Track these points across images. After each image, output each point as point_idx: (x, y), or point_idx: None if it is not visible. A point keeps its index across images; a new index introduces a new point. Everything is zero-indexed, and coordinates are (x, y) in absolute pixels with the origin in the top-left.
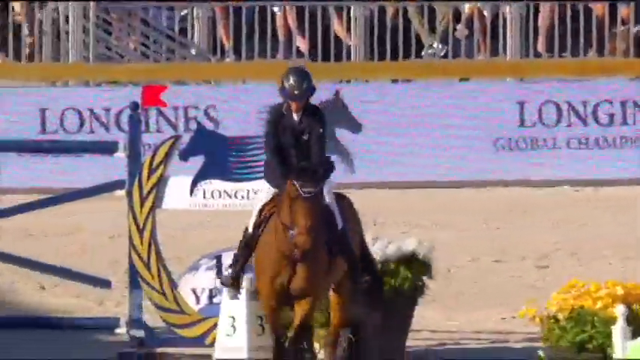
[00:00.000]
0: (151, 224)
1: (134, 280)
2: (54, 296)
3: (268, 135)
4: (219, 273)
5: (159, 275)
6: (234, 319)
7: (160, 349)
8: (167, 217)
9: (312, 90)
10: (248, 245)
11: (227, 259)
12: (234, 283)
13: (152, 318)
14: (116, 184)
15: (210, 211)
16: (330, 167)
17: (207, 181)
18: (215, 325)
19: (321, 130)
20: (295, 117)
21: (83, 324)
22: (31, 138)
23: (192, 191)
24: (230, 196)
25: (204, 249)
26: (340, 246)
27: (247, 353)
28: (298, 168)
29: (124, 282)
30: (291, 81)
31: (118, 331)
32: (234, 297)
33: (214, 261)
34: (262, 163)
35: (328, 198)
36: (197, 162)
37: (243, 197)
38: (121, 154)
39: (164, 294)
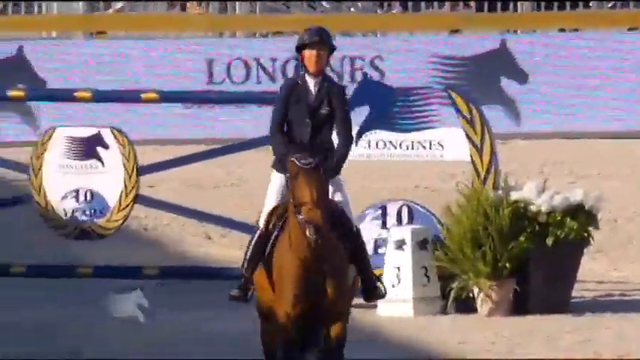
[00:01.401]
0: None
1: None
2: (220, 247)
3: (274, 111)
4: (384, 225)
5: None
6: (399, 269)
7: None
8: None
9: (332, 43)
10: (258, 249)
11: (392, 209)
12: (243, 295)
13: None
14: None
15: (374, 162)
16: (344, 156)
17: (372, 131)
18: (380, 276)
19: (345, 109)
20: (312, 87)
21: None
22: (198, 89)
23: (356, 142)
24: (395, 147)
25: (369, 199)
26: (355, 250)
27: (412, 304)
28: (294, 146)
29: None
30: (311, 31)
31: None
32: (400, 248)
33: (379, 211)
34: (428, 113)
35: (340, 195)
36: (362, 112)
37: (408, 148)
38: None
39: None
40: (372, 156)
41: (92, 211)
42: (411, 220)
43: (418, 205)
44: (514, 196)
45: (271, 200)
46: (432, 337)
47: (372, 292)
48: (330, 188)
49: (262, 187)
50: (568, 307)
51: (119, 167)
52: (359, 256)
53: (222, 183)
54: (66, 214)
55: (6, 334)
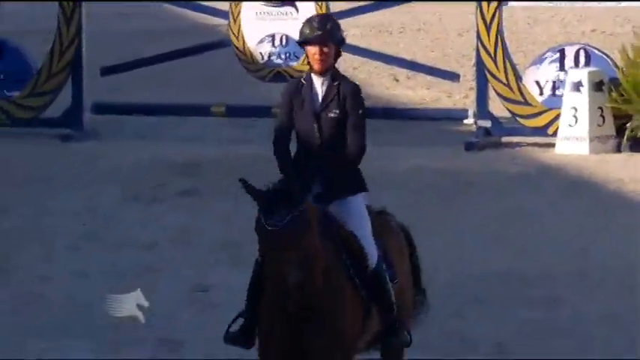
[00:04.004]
0: (497, 20)
1: (481, 73)
2: (406, 88)
3: (276, 118)
4: (561, 67)
5: (504, 68)
6: (576, 109)
7: (504, 138)
8: (513, 13)
9: (339, 35)
10: (255, 282)
11: (570, 52)
12: (242, 339)
13: (498, 109)
14: None
15: (552, 8)
16: (354, 177)
17: None
18: (558, 116)
19: (359, 113)
20: (318, 86)
21: (434, 115)
22: None
23: None
24: None
25: (548, 43)
26: (373, 289)
27: (588, 143)
28: (269, 189)
29: (471, 75)
30: (313, 23)
31: (466, 121)
32: (577, 90)
33: (558, 54)
34: None
35: (357, 225)
36: None
37: None
38: None
39: (509, 86)
40: (554, 1)
41: (287, 54)
42: (587, 63)
43: (595, 48)
44: None
45: None
46: (607, 173)
47: (391, 340)
48: (343, 215)
49: (447, 31)
50: None
51: (312, 13)
52: (378, 298)
53: (409, 27)
54: (262, 58)
55: (211, 167)
